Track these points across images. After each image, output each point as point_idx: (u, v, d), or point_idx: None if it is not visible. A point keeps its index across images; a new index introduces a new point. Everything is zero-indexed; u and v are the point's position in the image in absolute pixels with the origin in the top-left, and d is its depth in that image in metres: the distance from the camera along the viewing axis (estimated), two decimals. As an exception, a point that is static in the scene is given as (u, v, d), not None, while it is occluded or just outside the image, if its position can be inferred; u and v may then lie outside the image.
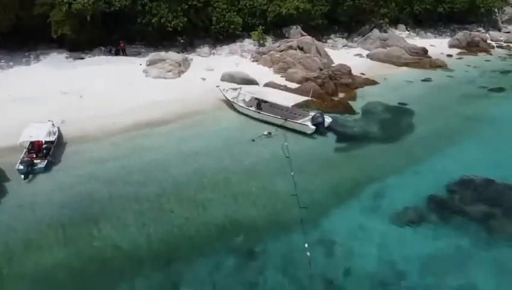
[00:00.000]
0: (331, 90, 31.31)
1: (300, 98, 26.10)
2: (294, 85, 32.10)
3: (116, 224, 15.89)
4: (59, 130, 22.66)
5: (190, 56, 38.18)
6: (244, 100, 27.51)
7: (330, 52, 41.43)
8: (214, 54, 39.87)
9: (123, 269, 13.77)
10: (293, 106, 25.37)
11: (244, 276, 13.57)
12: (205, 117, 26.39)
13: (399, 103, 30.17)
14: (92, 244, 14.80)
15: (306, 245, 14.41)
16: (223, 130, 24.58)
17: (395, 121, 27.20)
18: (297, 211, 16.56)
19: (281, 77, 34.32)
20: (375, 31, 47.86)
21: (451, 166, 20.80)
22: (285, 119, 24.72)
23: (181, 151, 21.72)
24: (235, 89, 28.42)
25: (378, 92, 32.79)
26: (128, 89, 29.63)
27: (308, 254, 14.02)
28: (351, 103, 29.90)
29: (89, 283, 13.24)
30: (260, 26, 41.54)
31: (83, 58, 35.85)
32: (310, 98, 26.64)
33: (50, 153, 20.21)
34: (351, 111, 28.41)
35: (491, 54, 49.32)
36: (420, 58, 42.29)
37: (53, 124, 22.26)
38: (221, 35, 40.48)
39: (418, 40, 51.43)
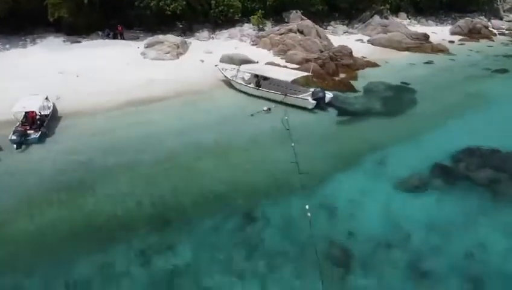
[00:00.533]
0: (332, 70, 30.77)
1: (301, 74, 25.60)
2: (294, 66, 31.57)
3: (110, 190, 15.39)
4: (54, 106, 22.17)
5: (189, 40, 37.71)
6: (243, 78, 27.01)
7: (330, 37, 40.97)
8: (213, 38, 39.41)
9: (117, 231, 13.25)
10: (293, 81, 24.81)
11: (243, 236, 13.06)
12: (203, 96, 25.87)
13: (402, 82, 29.65)
14: (85, 209, 14.30)
15: (307, 207, 13.86)
16: (221, 107, 24.05)
17: (397, 98, 26.69)
18: (297, 177, 16.02)
19: (281, 58, 33.83)
20: (376, 18, 47.41)
21: (455, 137, 20.27)
22: (285, 95, 24.22)
23: (178, 125, 21.18)
24: (234, 69, 27.94)
25: (380, 73, 32.27)
26: (125, 70, 29.15)
27: (308, 214, 13.47)
28: (352, 82, 29.33)
29: (82, 243, 12.72)
30: (259, 11, 41.02)
31: (80, 42, 35.41)
32: (310, 74, 26.11)
33: (44, 125, 19.74)
34: (352, 89, 27.87)
35: (493, 40, 48.83)
36: (421, 42, 41.79)
37: (47, 98, 21.79)
38: (220, 20, 40.02)
39: (419, 28, 50.91)
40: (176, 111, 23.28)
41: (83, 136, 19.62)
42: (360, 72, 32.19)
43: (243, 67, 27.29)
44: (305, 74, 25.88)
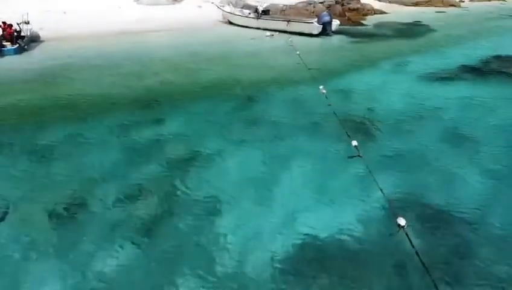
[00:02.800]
0: (339, 12, 28.64)
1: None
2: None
3: (92, 81, 13.35)
4: (36, 32, 20.17)
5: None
6: (241, 11, 25.01)
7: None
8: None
9: (100, 109, 11.13)
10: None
11: (245, 114, 10.89)
12: (201, 30, 23.86)
13: (414, 21, 27.52)
14: (62, 94, 12.19)
15: (320, 87, 11.46)
16: (220, 35, 22.08)
17: (411, 29, 24.62)
18: (306, 72, 13.82)
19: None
20: (383, -23, 45.23)
21: (480, 50, 18.18)
22: (289, 21, 22.13)
23: (171, 43, 19.22)
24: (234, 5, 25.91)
25: (391, 16, 30.17)
26: (116, 12, 27.14)
27: (323, 91, 11.09)
28: (361, 21, 27.24)
29: (58, 116, 10.59)
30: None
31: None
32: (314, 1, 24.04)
33: (23, 40, 17.80)
34: (361, 24, 25.78)
35: (505, 1, 46.51)
36: (431, -3, 39.63)
37: (28, 22, 19.78)
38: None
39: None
40: (172, 37, 21.30)
41: (64, 50, 17.63)
42: (368, 17, 30.04)
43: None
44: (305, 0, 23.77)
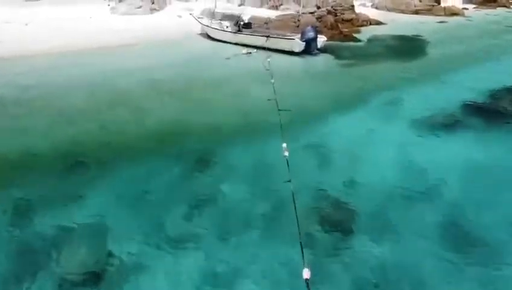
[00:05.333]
0: (330, 24, 26.14)
1: (285, 13, 21.13)
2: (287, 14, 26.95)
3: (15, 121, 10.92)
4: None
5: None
6: (220, 24, 22.61)
7: (330, 0, 36.40)
8: (199, -3, 34.86)
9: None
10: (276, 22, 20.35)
11: (193, 189, 8.38)
12: (174, 42, 21.56)
13: (413, 35, 25.05)
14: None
15: (284, 145, 8.92)
16: (192, 50, 19.75)
17: (409, 45, 22.30)
18: (275, 115, 11.23)
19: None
20: (381, -18, 42.67)
21: (486, 77, 15.72)
22: (268, 36, 19.67)
23: (133, 64, 16.76)
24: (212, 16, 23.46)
25: (388, 28, 27.77)
26: (87, 23, 24.75)
27: (286, 153, 8.52)
28: (354, 35, 24.76)
29: None
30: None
31: None
32: (298, 13, 21.66)
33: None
34: (354, 39, 23.29)
35: (511, 8, 43.99)
36: (433, 5, 37.15)
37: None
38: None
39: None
40: (138, 56, 18.88)
41: (7, 74, 15.20)
42: (363, 29, 27.61)
43: (219, 9, 22.81)
44: (291, 12, 21.37)
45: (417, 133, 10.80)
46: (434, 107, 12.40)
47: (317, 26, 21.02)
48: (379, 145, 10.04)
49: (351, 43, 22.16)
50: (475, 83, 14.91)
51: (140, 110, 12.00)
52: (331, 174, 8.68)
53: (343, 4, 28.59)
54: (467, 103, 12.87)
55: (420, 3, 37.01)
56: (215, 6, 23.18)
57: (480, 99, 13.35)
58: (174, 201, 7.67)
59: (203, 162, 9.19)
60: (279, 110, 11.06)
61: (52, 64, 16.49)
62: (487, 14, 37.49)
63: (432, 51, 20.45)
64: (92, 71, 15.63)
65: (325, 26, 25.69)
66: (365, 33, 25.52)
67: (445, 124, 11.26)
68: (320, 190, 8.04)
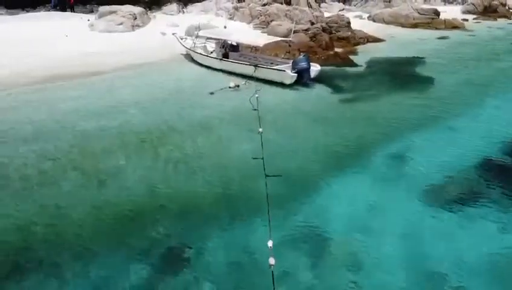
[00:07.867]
0: (325, 43, 24.32)
1: (276, 38, 19.27)
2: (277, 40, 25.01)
3: None
4: None
5: (153, 14, 31.31)
6: (205, 48, 20.68)
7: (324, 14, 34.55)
8: (183, 12, 32.95)
9: None
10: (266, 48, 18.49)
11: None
12: (153, 67, 19.67)
13: (414, 57, 23.28)
14: None
15: (269, 244, 6.87)
16: (173, 81, 17.83)
17: (412, 73, 20.30)
18: (261, 182, 9.28)
19: (262, 32, 27.19)
20: (378, -7, 41.11)
21: (501, 118, 13.97)
22: (256, 66, 17.79)
23: (106, 103, 14.84)
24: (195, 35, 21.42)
25: (387, 47, 26.04)
26: (59, 43, 22.69)
27: (271, 262, 6.52)
28: (351, 57, 22.94)
29: None
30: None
31: (17, 14, 29.07)
32: (289, 39, 19.82)
33: None
34: (351, 64, 21.47)
35: (512, 19, 42.49)
36: (432, 18, 35.49)
37: None
38: (192, -9, 33.60)
39: (425, 7, 44.57)
40: (110, 85, 17.01)
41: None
42: (360, 48, 25.85)
43: (203, 32, 20.82)
44: (282, 38, 19.52)
45: (430, 212, 8.94)
46: (444, 170, 10.56)
47: (309, 55, 18.98)
48: (381, 233, 8.17)
49: (348, 69, 20.33)
50: (489, 128, 13.15)
51: (95, 177, 10.02)
52: (326, 281, 6.81)
53: (338, 21, 26.70)
54: (482, 163, 11.02)
55: (419, 15, 35.28)
56: (199, 28, 21.15)
57: (498, 154, 11.55)
58: None
59: (171, 265, 7.31)
60: (266, 175, 9.31)
61: (6, 104, 14.45)
62: (489, 28, 35.81)
63: (437, 82, 18.56)
64: (52, 115, 13.61)
65: (320, 46, 23.90)
66: (363, 54, 23.72)
67: (462, 197, 9.42)
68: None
